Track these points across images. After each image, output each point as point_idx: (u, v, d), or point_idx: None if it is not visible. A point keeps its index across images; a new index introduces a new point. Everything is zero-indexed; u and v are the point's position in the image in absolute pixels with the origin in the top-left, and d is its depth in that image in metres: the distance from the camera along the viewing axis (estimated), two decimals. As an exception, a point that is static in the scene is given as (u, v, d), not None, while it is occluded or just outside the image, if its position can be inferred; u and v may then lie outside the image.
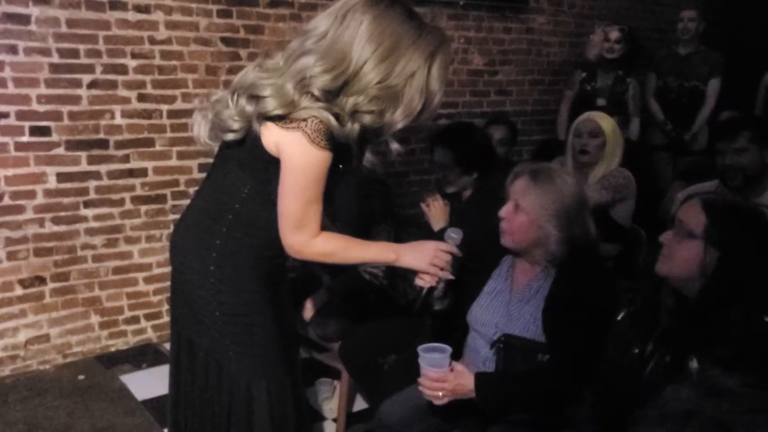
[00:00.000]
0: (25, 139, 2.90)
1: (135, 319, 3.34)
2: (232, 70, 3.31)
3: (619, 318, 1.96)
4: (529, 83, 4.53)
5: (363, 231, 2.80)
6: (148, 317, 3.36)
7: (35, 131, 2.91)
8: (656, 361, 1.52)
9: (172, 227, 3.29)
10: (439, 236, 2.41)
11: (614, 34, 4.01)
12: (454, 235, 1.76)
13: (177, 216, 3.30)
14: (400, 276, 2.78)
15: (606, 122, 2.93)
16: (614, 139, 2.92)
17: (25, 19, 2.80)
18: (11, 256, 2.96)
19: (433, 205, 2.48)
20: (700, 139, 4.23)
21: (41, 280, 3.06)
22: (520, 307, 1.91)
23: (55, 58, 2.89)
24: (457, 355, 1.86)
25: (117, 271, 3.24)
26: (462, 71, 4.18)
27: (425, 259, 1.66)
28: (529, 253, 1.93)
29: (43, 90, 2.89)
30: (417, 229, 2.64)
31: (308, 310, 2.71)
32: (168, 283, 3.25)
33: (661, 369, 1.48)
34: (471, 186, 2.58)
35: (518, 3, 4.30)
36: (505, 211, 1.92)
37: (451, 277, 1.70)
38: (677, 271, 1.52)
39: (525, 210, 1.88)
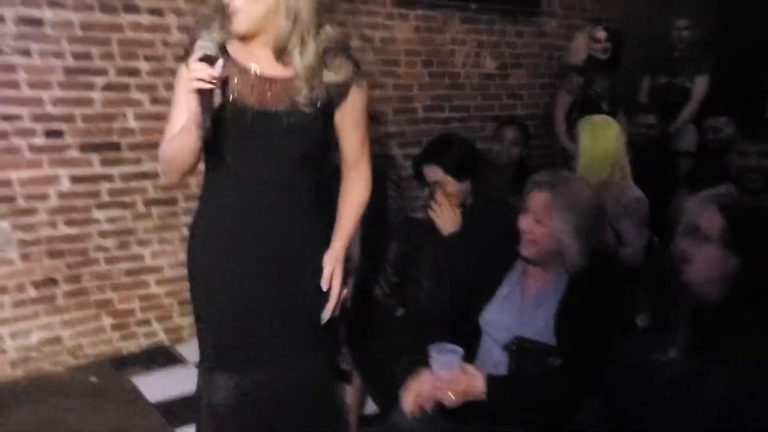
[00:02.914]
0: (39, 141, 2.91)
1: (146, 322, 3.34)
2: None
3: (637, 323, 1.94)
4: (540, 87, 4.51)
5: (376, 230, 2.80)
6: (159, 319, 3.37)
7: (49, 134, 2.92)
8: (676, 367, 1.50)
9: (183, 230, 3.33)
10: (449, 241, 2.41)
11: (602, 34, 3.98)
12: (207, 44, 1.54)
13: (189, 218, 3.32)
14: (409, 278, 2.78)
15: (609, 130, 2.79)
16: (617, 146, 2.73)
17: (39, 22, 2.82)
18: (25, 257, 2.98)
19: (443, 208, 2.45)
20: (688, 138, 4.24)
21: (54, 282, 3.07)
22: (532, 310, 1.91)
23: (69, 61, 2.91)
24: (469, 359, 1.85)
25: (129, 273, 3.25)
26: (474, 75, 4.17)
27: (186, 84, 1.55)
28: (546, 261, 1.93)
29: (56, 92, 2.91)
30: (424, 234, 2.62)
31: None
32: (180, 286, 3.31)
33: (681, 375, 1.47)
34: (470, 193, 2.56)
35: (531, 6, 4.29)
36: (526, 224, 1.91)
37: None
38: (697, 277, 1.50)
39: (546, 223, 1.88)
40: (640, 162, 3.06)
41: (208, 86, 1.49)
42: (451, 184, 2.44)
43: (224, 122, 1.62)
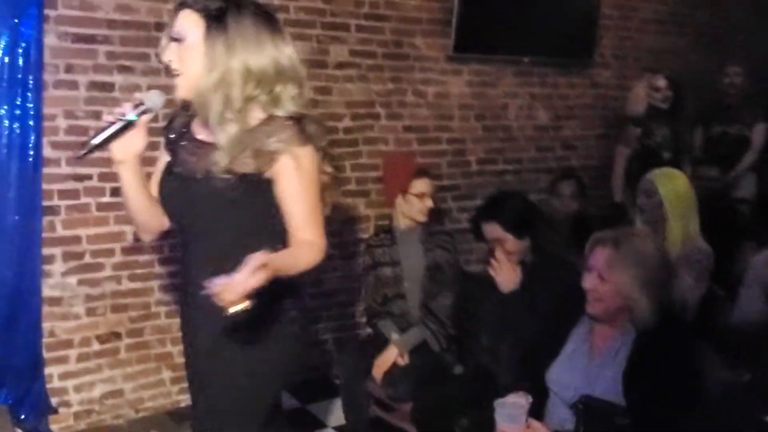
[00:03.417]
0: (106, 199, 3.02)
1: (205, 375, 3.37)
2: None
3: (732, 385, 1.88)
4: (595, 138, 4.49)
5: (433, 284, 2.80)
6: (217, 373, 3.39)
7: (115, 192, 3.03)
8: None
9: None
10: (509, 299, 2.38)
11: (662, 82, 3.92)
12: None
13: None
14: (466, 333, 2.76)
15: (670, 180, 2.71)
16: (677, 197, 2.64)
17: (109, 87, 2.96)
18: (90, 312, 3.06)
19: (502, 266, 2.43)
20: (746, 186, 4.13)
21: (117, 336, 3.14)
22: (599, 368, 1.88)
23: (136, 123, 3.03)
24: (534, 417, 1.81)
25: (188, 326, 3.30)
26: (527, 127, 4.18)
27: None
28: (613, 318, 1.90)
29: (124, 153, 3.02)
30: (481, 289, 2.60)
31: (378, 369, 2.70)
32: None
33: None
34: (529, 250, 2.53)
35: (583, 58, 4.30)
36: (590, 283, 1.89)
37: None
38: None
39: (611, 280, 1.86)
40: (702, 213, 3.00)
41: (113, 120, 1.60)
42: (511, 242, 2.43)
43: (164, 187, 1.72)
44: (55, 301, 2.99)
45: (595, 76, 4.41)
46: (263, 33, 1.60)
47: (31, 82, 2.76)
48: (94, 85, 2.93)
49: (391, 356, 2.70)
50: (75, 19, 2.84)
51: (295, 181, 1.59)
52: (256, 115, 1.60)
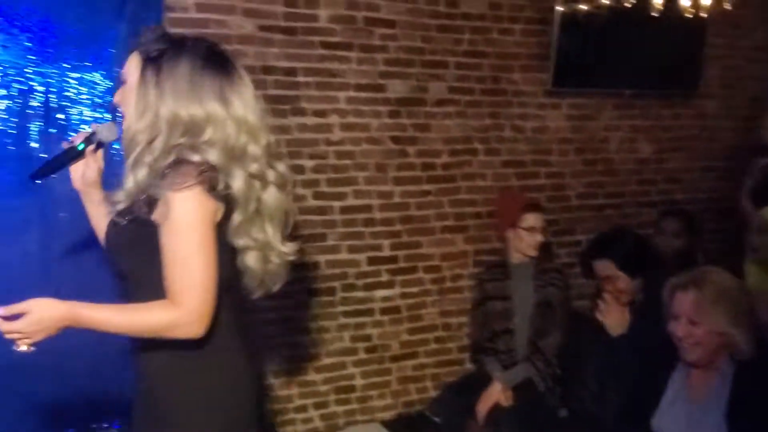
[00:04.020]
0: (214, 235, 3.14)
1: (303, 408, 3.42)
2: (401, 167, 3.45)
3: None
4: (701, 170, 4.31)
5: (541, 321, 2.75)
6: (316, 406, 3.44)
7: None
8: None
9: (340, 318, 3.43)
10: (617, 342, 2.30)
11: None
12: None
13: (345, 308, 3.44)
14: (572, 375, 2.68)
15: None
16: None
17: (219, 128, 3.09)
18: (197, 344, 3.17)
19: (611, 308, 2.36)
20: None
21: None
22: (701, 414, 1.85)
23: (243, 162, 3.15)
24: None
25: (289, 360, 3.37)
26: (628, 160, 4.07)
27: None
28: (711, 360, 1.88)
29: (231, 190, 3.14)
30: (589, 330, 2.53)
31: (482, 407, 2.66)
32: (337, 374, 3.39)
33: None
34: (640, 290, 2.46)
35: (688, 89, 4.16)
36: (682, 330, 1.88)
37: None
38: None
39: (704, 322, 1.84)
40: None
41: (65, 148, 1.64)
42: (623, 280, 2.37)
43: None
44: (166, 333, 3.11)
45: (701, 107, 4.25)
46: (204, 79, 1.50)
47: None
48: (205, 127, 3.06)
49: (494, 394, 2.67)
50: (189, 65, 2.99)
51: (164, 230, 1.43)
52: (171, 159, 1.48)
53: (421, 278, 3.59)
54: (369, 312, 3.49)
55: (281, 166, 1.63)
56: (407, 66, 3.42)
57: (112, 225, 1.55)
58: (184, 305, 1.41)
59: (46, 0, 2.72)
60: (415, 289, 3.58)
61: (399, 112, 3.43)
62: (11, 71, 2.72)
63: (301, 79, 3.20)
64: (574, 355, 2.64)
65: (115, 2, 2.81)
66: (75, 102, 2.83)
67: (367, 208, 3.42)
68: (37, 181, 1.65)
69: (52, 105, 2.79)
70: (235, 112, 1.51)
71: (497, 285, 2.92)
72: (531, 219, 2.90)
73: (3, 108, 2.72)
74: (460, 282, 3.66)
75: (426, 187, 3.54)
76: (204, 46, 1.57)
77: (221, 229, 1.48)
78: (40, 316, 1.46)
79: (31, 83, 2.75)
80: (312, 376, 3.42)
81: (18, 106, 2.74)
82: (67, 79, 2.81)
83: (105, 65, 2.84)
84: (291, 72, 3.17)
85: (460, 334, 3.68)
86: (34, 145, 2.77)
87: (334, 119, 3.30)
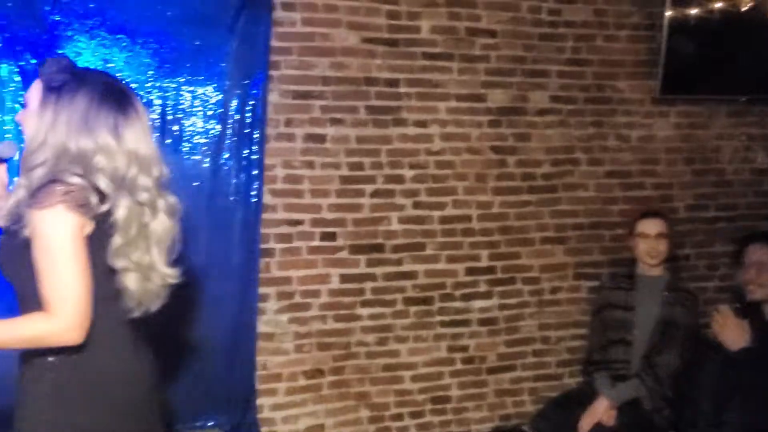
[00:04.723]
0: (316, 243, 3.22)
1: (399, 417, 3.44)
2: (500, 177, 3.42)
3: None
4: (824, 181, 4.03)
5: (662, 338, 2.66)
6: (412, 415, 3.44)
7: (324, 236, 3.22)
8: None
9: (438, 328, 3.43)
10: (738, 356, 2.19)
11: None
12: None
13: (443, 318, 3.44)
14: (685, 398, 2.57)
15: None
16: None
17: (322, 138, 3.17)
18: (298, 348, 3.25)
19: (727, 322, 2.25)
20: None
21: (321, 373, 3.30)
22: None
23: (344, 171, 3.21)
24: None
25: (386, 368, 3.40)
26: (743, 171, 3.86)
27: None
28: None
29: (332, 200, 3.21)
30: (703, 351, 2.41)
31: (586, 423, 2.59)
32: (433, 383, 3.39)
33: None
34: None
35: (811, 94, 3.91)
36: None
37: None
38: None
39: None
40: None
41: None
42: None
43: None
44: (268, 337, 3.21)
45: (824, 113, 3.98)
46: (99, 113, 1.58)
47: (255, 135, 3.03)
48: (309, 137, 3.15)
49: (599, 411, 2.60)
50: (295, 78, 3.08)
51: (34, 245, 1.50)
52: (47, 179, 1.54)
53: (519, 290, 3.54)
54: (466, 322, 3.47)
55: (170, 197, 1.70)
56: (508, 75, 3.39)
57: (2, 240, 1.63)
58: (59, 315, 1.49)
59: (165, 19, 2.87)
60: (513, 301, 3.54)
61: (499, 122, 3.41)
62: (132, 86, 2.88)
63: (402, 89, 3.23)
64: (688, 377, 2.53)
65: (227, 20, 2.93)
66: (188, 114, 2.97)
67: (466, 218, 3.41)
68: None
69: (168, 117, 2.94)
70: (126, 145, 1.59)
71: (621, 294, 2.88)
72: (644, 225, 2.87)
73: (124, 121, 2.89)
74: (559, 294, 3.59)
75: (526, 197, 3.49)
76: (103, 82, 1.65)
77: (101, 250, 1.56)
78: None
79: (149, 97, 2.91)
80: (408, 385, 3.43)
81: (137, 119, 2.90)
82: (182, 93, 2.95)
83: (216, 79, 2.97)
84: (393, 83, 3.21)
85: (559, 348, 3.60)
86: (151, 155, 2.93)
87: (434, 129, 3.31)
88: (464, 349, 3.48)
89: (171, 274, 1.69)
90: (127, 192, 1.58)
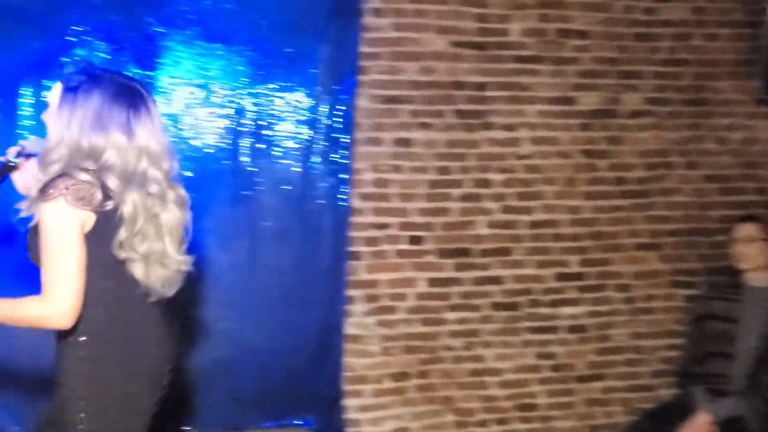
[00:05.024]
0: (403, 247, 3.23)
1: (484, 423, 3.40)
2: (591, 181, 3.34)
3: None
4: None
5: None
6: (498, 422, 3.40)
7: (412, 240, 3.23)
8: None
9: (525, 334, 3.38)
10: None
11: None
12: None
13: (530, 324, 3.38)
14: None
15: None
16: None
17: (410, 143, 3.18)
18: (384, 351, 3.28)
19: None
20: None
21: (406, 376, 3.31)
22: None
23: (432, 175, 3.22)
24: None
25: (472, 373, 3.37)
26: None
27: None
28: None
29: (420, 204, 3.22)
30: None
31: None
32: (520, 391, 3.34)
33: None
34: None
35: None
36: None
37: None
38: None
39: None
40: None
41: (3, 161, 1.82)
42: None
43: None
44: (355, 339, 3.25)
45: None
46: (112, 111, 1.68)
47: (345, 140, 3.08)
48: (397, 142, 3.17)
49: (698, 426, 2.50)
50: (384, 83, 3.11)
51: (42, 234, 1.63)
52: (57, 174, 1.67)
53: (610, 297, 3.44)
54: (554, 329, 3.41)
55: (180, 189, 1.80)
56: (600, 77, 3.31)
57: (31, 229, 1.73)
58: (51, 300, 1.61)
59: (259, 28, 2.96)
60: (603, 308, 3.44)
61: (590, 125, 3.33)
62: (228, 93, 2.99)
63: (491, 93, 3.21)
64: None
65: (318, 27, 2.99)
66: (280, 119, 3.05)
67: (555, 223, 3.35)
68: None
69: (260, 123, 3.03)
70: (137, 141, 1.70)
71: (723, 304, 2.76)
72: (739, 229, 2.74)
73: (221, 126, 2.99)
74: (653, 303, 3.47)
75: (618, 202, 3.39)
76: (117, 82, 1.75)
77: (110, 241, 1.67)
78: None
79: (243, 103, 3.00)
80: (494, 391, 3.40)
81: (232, 125, 3.00)
82: (274, 98, 3.03)
83: (308, 85, 3.03)
84: (481, 87, 3.19)
85: (652, 358, 3.48)
86: (244, 159, 3.02)
87: (523, 133, 3.27)
88: (552, 356, 3.41)
89: (184, 261, 1.80)
90: (136, 186, 1.69)
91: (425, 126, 3.18)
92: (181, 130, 2.96)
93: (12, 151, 1.85)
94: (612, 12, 3.27)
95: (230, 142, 3.01)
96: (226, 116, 3.00)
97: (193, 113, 2.97)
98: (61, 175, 1.64)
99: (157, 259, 1.74)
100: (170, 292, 1.80)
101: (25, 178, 1.82)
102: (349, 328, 3.23)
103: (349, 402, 3.28)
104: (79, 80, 1.72)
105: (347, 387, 3.26)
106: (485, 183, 3.26)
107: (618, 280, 3.42)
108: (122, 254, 1.69)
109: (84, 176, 1.64)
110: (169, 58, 2.94)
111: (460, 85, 3.17)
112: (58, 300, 1.61)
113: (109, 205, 1.65)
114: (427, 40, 3.13)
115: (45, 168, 1.69)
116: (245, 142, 3.03)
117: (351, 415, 3.28)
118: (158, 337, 1.83)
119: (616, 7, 3.29)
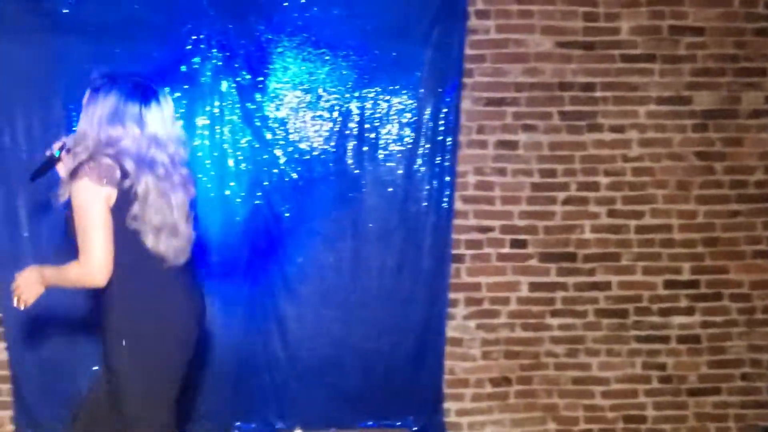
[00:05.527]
0: (505, 250, 3.20)
1: (589, 433, 3.32)
2: (706, 185, 3.19)
3: None
4: None
5: None
6: (602, 433, 3.31)
7: (514, 244, 3.19)
8: None
9: (632, 343, 3.26)
10: None
11: None
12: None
13: (638, 332, 3.26)
14: None
15: None
16: None
17: (513, 145, 3.15)
18: (485, 355, 3.25)
19: None
20: None
21: (507, 381, 3.27)
22: None
23: (536, 178, 3.17)
24: None
25: (576, 381, 3.29)
26: None
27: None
28: None
29: (523, 207, 3.18)
30: None
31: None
32: (627, 401, 3.23)
33: None
34: None
35: None
36: None
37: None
38: None
39: None
40: None
41: (49, 154, 2.09)
42: None
43: None
44: (456, 342, 3.24)
45: None
46: (127, 106, 2.00)
47: (448, 143, 3.08)
48: (500, 144, 3.14)
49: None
50: (488, 85, 3.10)
51: (75, 208, 1.93)
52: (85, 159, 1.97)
53: (726, 307, 3.27)
54: (664, 339, 3.27)
55: (184, 169, 2.10)
56: (717, 75, 3.16)
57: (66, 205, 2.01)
58: (87, 261, 1.92)
59: (364, 33, 3.01)
60: (718, 319, 3.27)
61: (706, 126, 3.18)
62: (334, 97, 3.06)
63: (598, 93, 3.13)
64: None
65: (423, 30, 3.01)
66: (385, 123, 3.09)
67: (666, 228, 3.22)
68: (33, 181, 2.12)
69: (365, 126, 3.07)
70: (148, 131, 2.01)
71: None
72: None
73: (327, 129, 3.06)
74: (773, 314, 3.27)
75: (735, 206, 3.22)
76: (132, 81, 2.05)
77: (124, 214, 1.96)
78: (21, 275, 2.04)
79: (349, 107, 3.06)
80: (599, 401, 3.30)
81: (338, 128, 3.07)
82: (379, 102, 3.07)
83: (411, 88, 3.06)
84: (588, 87, 3.12)
85: (772, 373, 3.29)
86: (349, 162, 3.08)
87: (632, 134, 3.16)
88: (661, 367, 3.28)
89: (190, 233, 2.10)
90: (148, 168, 1.98)
91: (529, 128, 3.14)
92: (288, 133, 3.06)
93: (56, 146, 2.11)
94: (730, 7, 3.12)
95: (335, 145, 3.08)
96: (332, 120, 3.07)
97: (300, 117, 3.06)
98: (87, 159, 1.94)
99: (170, 231, 2.02)
100: (181, 260, 2.08)
101: (68, 168, 2.07)
102: (450, 330, 3.23)
103: (449, 405, 3.27)
104: (101, 83, 2.03)
105: (447, 390, 3.26)
106: (592, 186, 3.18)
107: (735, 289, 3.25)
108: (133, 225, 1.97)
109: (105, 160, 1.94)
110: (278, 63, 3.04)
111: (565, 86, 3.11)
112: (92, 260, 1.92)
113: (127, 183, 1.94)
114: (532, 41, 3.09)
115: (74, 155, 2.00)
116: (350, 145, 3.09)
117: (451, 419, 3.28)
118: (179, 298, 2.11)
119: (734, 2, 3.13)
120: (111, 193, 1.94)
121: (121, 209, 1.95)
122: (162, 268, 2.03)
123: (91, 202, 1.92)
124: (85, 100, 2.06)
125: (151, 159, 2.00)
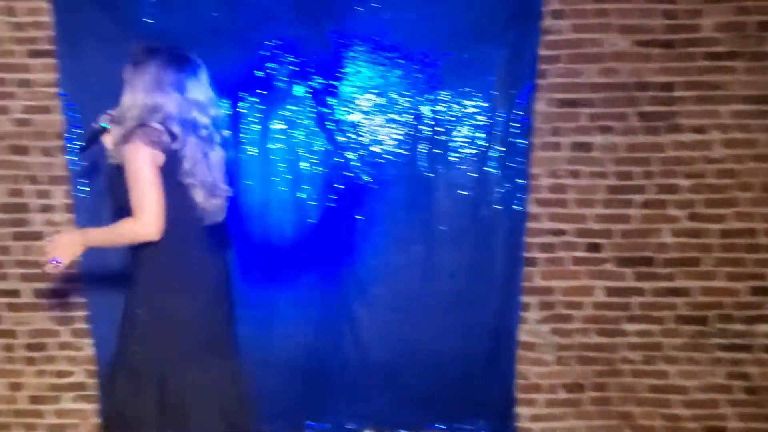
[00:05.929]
0: (580, 254, 3.14)
1: (667, 443, 3.22)
2: (797, 187, 3.06)
3: None
4: None
5: None
6: (681, 443, 3.21)
7: (589, 247, 3.13)
8: None
9: (714, 351, 3.15)
10: None
11: None
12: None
13: (721, 340, 3.14)
14: None
15: None
16: None
17: (588, 147, 3.08)
18: (559, 360, 3.20)
19: None
20: None
21: (581, 388, 3.21)
22: None
23: (611, 181, 3.09)
24: None
25: (653, 389, 3.20)
26: None
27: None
28: None
29: (598, 210, 3.11)
30: None
31: None
32: (708, 412, 3.12)
33: None
34: None
35: None
36: None
37: None
38: None
39: None
40: None
41: (96, 127, 2.29)
42: None
43: None
44: (529, 347, 3.20)
45: None
46: (168, 74, 2.17)
47: (522, 145, 3.04)
48: (575, 146, 3.08)
49: None
50: (562, 86, 3.04)
51: (128, 171, 2.10)
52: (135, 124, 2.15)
53: (816, 315, 3.12)
54: (749, 348, 3.14)
55: (225, 131, 2.33)
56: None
57: (114, 169, 2.18)
58: (140, 218, 2.08)
59: (436, 36, 3.00)
60: (808, 328, 3.13)
61: (794, 126, 3.04)
62: (406, 100, 3.06)
63: (678, 93, 3.03)
64: None
65: (497, 32, 2.98)
66: (457, 125, 3.07)
67: (751, 233, 3.09)
68: (83, 153, 2.38)
69: (438, 129, 3.07)
70: (189, 95, 2.19)
71: None
72: None
73: (400, 132, 3.07)
74: None
75: (827, 210, 3.07)
76: (168, 52, 2.21)
77: (176, 173, 2.15)
78: (60, 236, 2.19)
79: (420, 110, 3.06)
80: (679, 410, 3.19)
81: (410, 131, 3.08)
82: (451, 104, 3.06)
83: (485, 90, 3.03)
84: (668, 87, 3.02)
85: None
86: (422, 165, 3.08)
87: (714, 135, 3.05)
88: (746, 377, 3.15)
89: (227, 189, 2.31)
90: (191, 131, 2.17)
91: (605, 129, 3.07)
92: (361, 136, 3.08)
93: (104, 119, 2.28)
94: (823, 0, 2.97)
95: (408, 148, 3.09)
96: (405, 123, 3.08)
97: (373, 120, 3.08)
98: (137, 126, 2.12)
99: (210, 189, 2.22)
100: (219, 218, 2.28)
101: (114, 138, 2.24)
102: (523, 334, 3.19)
103: (521, 410, 3.24)
104: (139, 56, 2.20)
105: (520, 395, 3.22)
106: (671, 189, 3.08)
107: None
108: (187, 180, 2.17)
109: (154, 125, 2.12)
110: (351, 67, 3.07)
111: (643, 86, 3.02)
112: (147, 215, 2.08)
113: (175, 145, 2.14)
114: (608, 41, 3.02)
115: (123, 123, 2.17)
116: (423, 148, 3.09)
117: (523, 424, 3.24)
118: (208, 258, 2.29)
119: (826, -4, 2.99)
120: (159, 156, 2.12)
121: (169, 170, 2.14)
122: (199, 226, 2.23)
123: (143, 162, 2.09)
124: (127, 74, 2.21)
125: (193, 121, 2.19)
